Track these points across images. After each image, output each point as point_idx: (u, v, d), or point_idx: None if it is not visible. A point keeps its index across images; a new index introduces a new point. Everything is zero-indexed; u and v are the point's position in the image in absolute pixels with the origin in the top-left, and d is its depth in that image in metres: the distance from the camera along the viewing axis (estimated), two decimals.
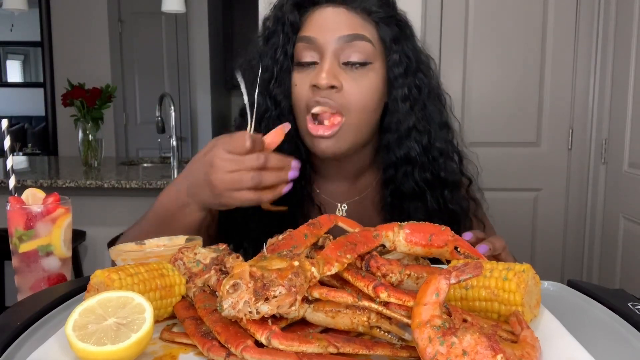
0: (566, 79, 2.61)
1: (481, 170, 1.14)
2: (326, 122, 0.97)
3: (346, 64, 0.97)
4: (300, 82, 0.99)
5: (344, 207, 1.10)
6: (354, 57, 0.97)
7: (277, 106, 1.02)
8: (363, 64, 0.97)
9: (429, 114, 1.03)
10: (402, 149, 1.02)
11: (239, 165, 0.86)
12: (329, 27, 0.97)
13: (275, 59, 1.01)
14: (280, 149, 0.94)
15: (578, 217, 2.69)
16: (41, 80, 5.56)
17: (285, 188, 0.90)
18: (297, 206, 1.05)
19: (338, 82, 0.95)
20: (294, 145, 1.03)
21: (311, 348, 0.54)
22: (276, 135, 0.93)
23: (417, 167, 1.02)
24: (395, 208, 1.05)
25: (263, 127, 1.01)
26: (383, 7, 1.01)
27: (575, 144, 2.65)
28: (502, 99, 2.64)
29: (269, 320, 0.56)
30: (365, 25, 0.98)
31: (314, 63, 0.98)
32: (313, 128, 0.97)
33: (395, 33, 1.00)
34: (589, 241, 2.66)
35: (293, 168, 0.89)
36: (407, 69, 1.01)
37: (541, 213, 2.71)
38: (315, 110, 0.97)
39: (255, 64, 1.04)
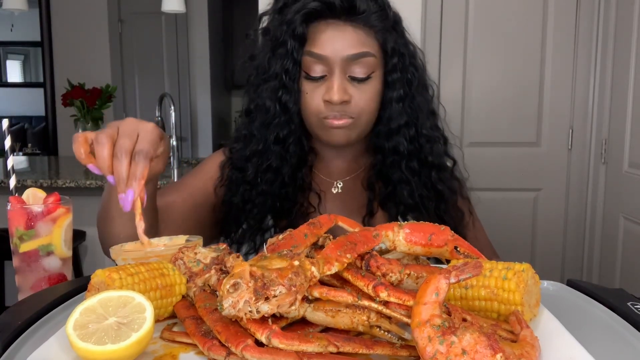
0: (566, 79, 2.61)
1: (466, 168, 1.24)
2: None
3: (352, 77, 1.05)
4: (311, 92, 1.07)
5: (340, 184, 1.19)
6: (360, 73, 1.05)
7: (287, 112, 1.09)
8: (368, 77, 1.06)
9: (417, 105, 1.12)
10: (391, 142, 1.12)
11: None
12: (336, 45, 1.04)
13: (284, 68, 1.07)
14: (285, 143, 1.10)
15: (578, 217, 2.69)
16: (41, 80, 5.55)
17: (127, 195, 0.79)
18: (297, 188, 1.14)
19: (348, 97, 1.05)
20: (298, 140, 1.12)
21: (311, 347, 0.54)
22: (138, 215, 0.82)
23: (405, 158, 1.12)
24: (380, 186, 1.15)
25: (271, 130, 1.11)
26: (383, 20, 1.07)
27: (575, 144, 2.65)
28: (502, 99, 2.64)
29: (269, 320, 0.56)
30: (368, 40, 1.06)
31: (323, 76, 1.06)
32: (331, 121, 1.06)
33: (393, 39, 1.08)
34: (589, 241, 2.66)
35: (129, 191, 0.79)
36: (402, 70, 1.09)
37: (541, 213, 2.71)
38: (332, 122, 1.06)
39: (259, 67, 1.12)
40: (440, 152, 1.16)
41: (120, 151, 0.79)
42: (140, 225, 0.82)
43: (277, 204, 1.12)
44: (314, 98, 1.07)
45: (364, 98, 1.06)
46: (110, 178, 0.80)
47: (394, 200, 1.13)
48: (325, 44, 1.04)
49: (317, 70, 1.05)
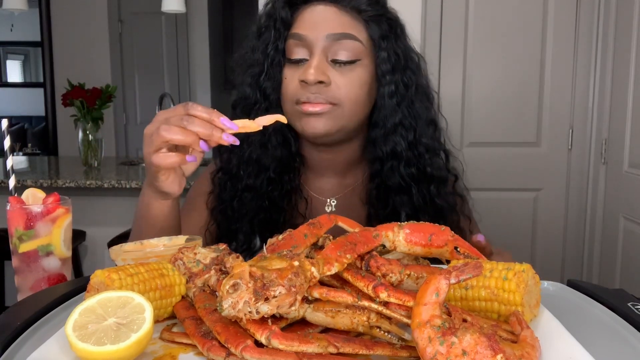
0: (566, 79, 2.61)
1: (466, 168, 1.16)
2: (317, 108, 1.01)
3: (334, 61, 1.00)
4: (290, 76, 1.02)
5: (334, 202, 1.13)
6: (342, 55, 0.99)
7: (266, 99, 1.05)
8: (351, 62, 1.00)
9: (415, 110, 1.05)
10: (388, 144, 1.04)
11: (159, 122, 0.85)
12: (318, 24, 0.99)
13: (266, 53, 1.03)
14: (268, 141, 1.04)
15: (578, 217, 2.69)
16: (41, 80, 5.55)
17: (203, 145, 0.82)
18: (285, 200, 1.08)
19: (326, 78, 0.98)
20: (283, 138, 1.07)
21: (311, 348, 0.54)
22: (268, 120, 0.85)
23: (403, 162, 1.05)
24: (381, 201, 1.08)
25: (252, 118, 1.05)
26: (373, 5, 1.03)
27: (575, 144, 2.65)
28: (502, 99, 2.64)
29: (269, 320, 0.56)
30: (354, 24, 1.01)
31: (304, 59, 1.01)
32: (305, 105, 0.99)
33: (384, 31, 1.03)
34: (589, 241, 2.66)
35: (224, 124, 0.82)
36: (395, 67, 1.03)
37: (541, 213, 2.71)
38: (306, 107, 0.99)
39: (247, 58, 1.09)
40: (441, 166, 1.09)
41: (180, 119, 0.82)
42: (263, 118, 0.84)
43: (265, 202, 1.07)
44: (292, 82, 1.01)
45: (346, 83, 0.99)
46: (202, 144, 0.82)
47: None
48: (307, 24, 1.00)
49: (298, 52, 1.00)
